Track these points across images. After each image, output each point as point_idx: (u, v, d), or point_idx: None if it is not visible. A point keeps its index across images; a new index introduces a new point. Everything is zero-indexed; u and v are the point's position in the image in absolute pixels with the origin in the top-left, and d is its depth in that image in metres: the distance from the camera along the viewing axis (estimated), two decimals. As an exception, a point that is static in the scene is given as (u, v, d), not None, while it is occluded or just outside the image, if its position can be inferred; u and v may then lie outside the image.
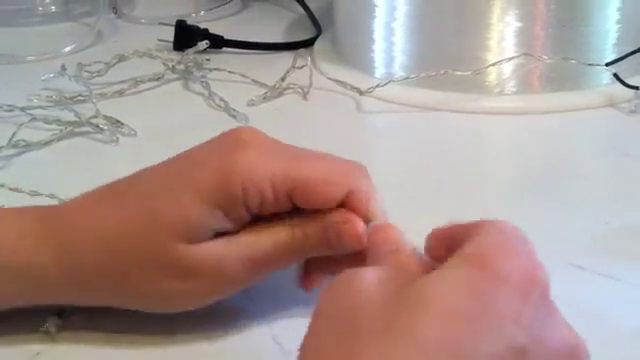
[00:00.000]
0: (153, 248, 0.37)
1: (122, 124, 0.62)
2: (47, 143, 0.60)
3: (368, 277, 0.31)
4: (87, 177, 0.56)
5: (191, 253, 0.37)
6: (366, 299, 0.29)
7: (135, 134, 0.62)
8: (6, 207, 0.50)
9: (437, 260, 0.33)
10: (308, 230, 0.38)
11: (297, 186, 0.37)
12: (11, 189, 0.52)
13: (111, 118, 0.62)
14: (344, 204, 0.38)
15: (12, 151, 0.59)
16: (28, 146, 0.59)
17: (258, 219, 0.38)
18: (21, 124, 0.60)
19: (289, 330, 0.39)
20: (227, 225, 0.38)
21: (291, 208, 0.38)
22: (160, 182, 0.38)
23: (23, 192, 0.52)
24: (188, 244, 0.37)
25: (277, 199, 0.38)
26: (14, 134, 0.59)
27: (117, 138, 0.61)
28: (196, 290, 0.38)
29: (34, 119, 0.61)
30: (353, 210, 0.38)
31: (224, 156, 0.38)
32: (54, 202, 0.50)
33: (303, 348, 0.29)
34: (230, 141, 0.39)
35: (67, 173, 0.57)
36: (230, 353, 0.39)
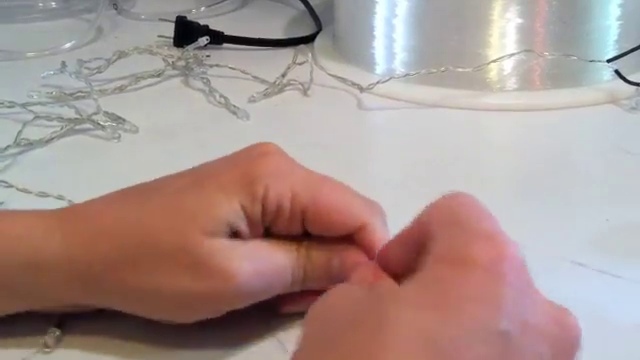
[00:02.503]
0: (171, 237, 0.36)
1: (124, 120, 0.62)
2: (49, 141, 0.60)
3: (350, 290, 0.32)
4: (90, 174, 0.56)
5: (207, 245, 0.36)
6: (342, 312, 0.30)
7: (137, 130, 0.62)
8: (10, 208, 0.50)
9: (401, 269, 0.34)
10: (312, 254, 0.38)
11: (313, 206, 0.38)
12: (19, 190, 0.52)
13: (112, 114, 0.62)
14: (354, 238, 0.38)
15: (15, 149, 0.58)
16: (30, 144, 0.59)
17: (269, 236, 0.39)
18: (25, 122, 0.59)
19: (292, 332, 0.39)
20: (242, 224, 0.37)
21: (301, 232, 0.39)
22: (186, 182, 0.38)
23: (31, 193, 0.51)
24: (206, 235, 0.36)
25: (292, 214, 0.38)
26: (19, 133, 0.58)
27: (119, 135, 0.61)
28: (205, 291, 0.36)
29: (37, 117, 0.61)
30: (361, 246, 0.38)
31: (251, 161, 0.38)
32: (62, 203, 0.49)
33: None
34: (256, 151, 0.39)
35: (70, 171, 0.57)
36: (233, 356, 0.39)
